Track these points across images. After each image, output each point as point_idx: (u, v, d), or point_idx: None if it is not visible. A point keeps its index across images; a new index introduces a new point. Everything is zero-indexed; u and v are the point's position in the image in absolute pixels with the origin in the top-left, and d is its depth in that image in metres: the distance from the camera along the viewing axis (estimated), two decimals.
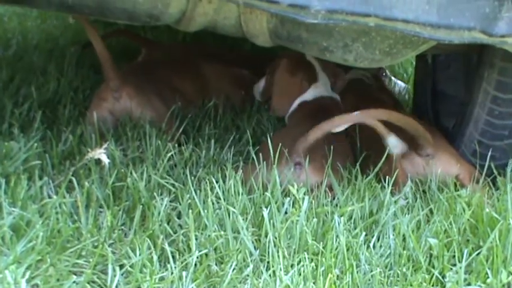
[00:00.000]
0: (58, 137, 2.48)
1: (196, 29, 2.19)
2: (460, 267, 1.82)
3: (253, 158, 2.26)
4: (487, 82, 2.40)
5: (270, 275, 1.78)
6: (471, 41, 1.91)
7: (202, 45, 3.72)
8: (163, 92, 2.81)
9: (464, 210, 2.09)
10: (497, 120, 2.40)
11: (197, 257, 1.82)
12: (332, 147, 2.26)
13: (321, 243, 1.89)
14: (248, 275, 1.78)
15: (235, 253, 1.84)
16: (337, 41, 2.05)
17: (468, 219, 2.04)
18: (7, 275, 1.64)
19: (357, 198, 2.16)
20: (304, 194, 2.06)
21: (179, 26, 2.17)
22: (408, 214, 2.11)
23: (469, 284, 1.82)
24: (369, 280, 1.80)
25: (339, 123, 2.26)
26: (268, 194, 2.08)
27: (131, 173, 2.17)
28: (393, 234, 1.98)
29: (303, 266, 1.80)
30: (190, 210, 1.98)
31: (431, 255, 1.92)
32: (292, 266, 1.82)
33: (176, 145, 2.43)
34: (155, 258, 1.79)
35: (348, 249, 1.87)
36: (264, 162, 2.20)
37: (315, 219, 1.98)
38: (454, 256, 1.90)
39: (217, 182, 2.12)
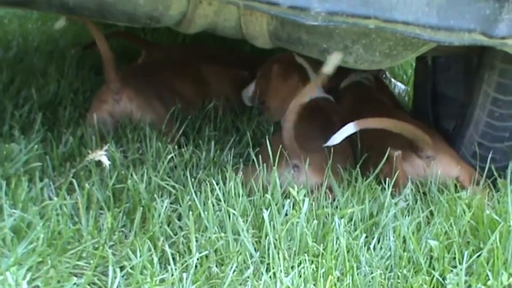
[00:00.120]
0: (58, 138, 2.48)
1: (197, 31, 2.19)
2: (461, 269, 1.82)
3: (253, 160, 2.25)
4: (488, 84, 2.41)
5: (270, 277, 1.78)
6: (471, 43, 1.91)
7: (202, 47, 3.72)
8: (163, 94, 2.81)
9: (464, 212, 2.09)
10: (498, 122, 2.40)
11: (197, 259, 1.82)
12: (332, 149, 2.26)
13: (321, 245, 1.89)
14: (248, 277, 1.78)
15: (235, 255, 1.84)
16: (337, 43, 2.05)
17: (468, 221, 2.04)
18: (8, 277, 1.64)
19: (357, 200, 2.16)
20: (305, 196, 2.06)
21: (179, 28, 2.17)
22: (408, 216, 2.11)
23: (469, 286, 1.82)
24: (370, 282, 1.80)
25: (338, 138, 2.26)
26: (268, 195, 2.08)
27: (131, 175, 2.17)
28: (393, 236, 1.98)
29: (304, 267, 1.80)
30: (190, 212, 1.98)
31: (431, 257, 1.92)
32: (292, 267, 1.81)
33: (176, 147, 2.43)
34: (156, 260, 1.79)
35: (348, 251, 1.87)
36: (264, 164, 2.20)
37: (315, 221, 1.98)
38: (454, 258, 1.90)
39: (217, 183, 2.12)
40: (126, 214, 2.06)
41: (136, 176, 2.16)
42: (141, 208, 2.01)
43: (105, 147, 2.17)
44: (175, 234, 1.96)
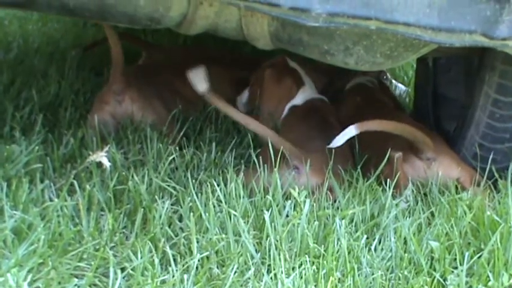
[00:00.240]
0: (59, 140, 2.48)
1: (197, 32, 2.19)
2: (462, 270, 1.82)
3: (254, 161, 2.25)
4: (488, 85, 2.41)
5: (271, 278, 1.78)
6: (472, 44, 1.91)
7: (203, 49, 3.72)
8: (164, 96, 2.81)
9: (465, 213, 2.09)
10: (498, 123, 2.40)
11: (198, 260, 1.82)
12: (333, 150, 2.27)
13: (322, 246, 1.89)
14: (249, 278, 1.78)
15: (236, 256, 1.84)
16: (338, 44, 2.05)
17: (469, 222, 2.05)
18: (9, 278, 1.64)
19: (358, 201, 2.16)
20: (306, 197, 2.06)
21: (180, 29, 2.17)
22: (409, 217, 2.11)
23: (470, 287, 1.82)
24: (370, 283, 1.80)
25: (340, 140, 2.26)
26: (269, 197, 2.08)
27: (132, 176, 2.17)
28: (394, 237, 1.98)
29: (305, 269, 1.80)
30: (191, 213, 1.98)
31: (432, 258, 1.92)
32: (293, 269, 1.82)
33: (177, 148, 2.43)
34: (156, 261, 1.79)
35: (349, 252, 1.87)
36: (265, 166, 2.20)
37: (316, 222, 1.98)
38: (455, 259, 1.90)
39: (218, 185, 2.12)
40: (127, 215, 2.06)
41: (137, 177, 2.16)
42: (142, 209, 2.01)
43: (106, 149, 2.17)
44: (176, 236, 1.95)
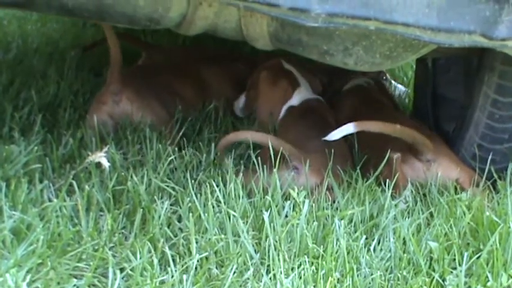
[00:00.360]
0: (58, 140, 2.48)
1: (197, 33, 2.19)
2: (461, 271, 1.82)
3: (253, 161, 2.25)
4: (487, 85, 2.41)
5: (270, 278, 1.78)
6: (471, 45, 1.91)
7: (202, 49, 3.72)
8: (163, 96, 2.81)
9: (464, 214, 2.09)
10: (498, 123, 2.40)
11: (198, 261, 1.82)
12: (332, 150, 2.27)
13: (322, 246, 1.89)
14: (248, 278, 1.78)
15: (235, 256, 1.84)
16: (338, 45, 2.05)
17: (468, 223, 2.05)
18: (8, 279, 1.64)
19: (357, 201, 2.16)
20: (305, 197, 2.06)
21: (179, 29, 2.17)
22: (408, 217, 2.11)
23: (469, 287, 1.82)
24: (370, 283, 1.80)
25: (337, 134, 2.27)
26: (268, 197, 2.08)
27: (131, 177, 2.17)
28: (393, 238, 1.98)
29: (304, 269, 1.80)
30: (190, 214, 1.98)
31: (431, 258, 1.92)
32: (292, 269, 1.82)
33: (176, 149, 2.43)
34: (156, 261, 1.79)
35: (348, 253, 1.87)
36: (264, 166, 2.20)
37: (316, 223, 1.98)
38: (454, 259, 1.90)
39: (217, 185, 2.12)
40: (126, 216, 2.06)
41: (137, 178, 2.16)
42: (141, 210, 2.01)
43: (105, 149, 2.17)
44: (175, 236, 1.95)
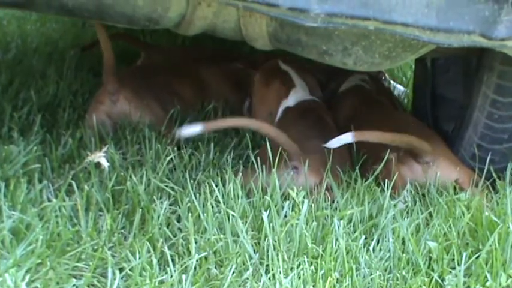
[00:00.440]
0: (57, 140, 2.48)
1: (196, 33, 2.19)
2: (460, 271, 1.82)
3: (252, 161, 2.25)
4: (487, 85, 2.41)
5: (269, 278, 1.78)
6: (470, 45, 1.91)
7: (202, 49, 3.72)
8: (161, 96, 2.81)
9: (463, 214, 2.09)
10: (497, 123, 2.40)
11: (197, 260, 1.82)
12: (331, 150, 2.27)
13: (321, 246, 1.89)
14: (248, 278, 1.78)
15: (234, 256, 1.84)
16: (337, 45, 2.05)
17: (467, 223, 2.05)
18: (7, 278, 1.64)
19: (356, 201, 2.16)
20: (304, 197, 2.06)
21: (179, 29, 2.17)
22: (408, 217, 2.11)
23: (468, 287, 1.82)
24: (369, 283, 1.80)
25: (335, 143, 2.27)
26: (267, 197, 2.08)
27: (131, 177, 2.17)
28: (393, 238, 1.98)
29: (303, 269, 1.80)
30: (189, 214, 1.98)
31: (430, 258, 1.92)
32: (291, 269, 1.82)
33: (176, 149, 2.43)
34: (155, 261, 1.79)
35: (347, 253, 1.87)
36: (263, 166, 2.20)
37: (315, 223, 1.98)
38: (453, 259, 1.90)
39: (216, 185, 2.12)
40: (125, 216, 2.06)
41: (136, 178, 2.16)
42: (140, 210, 2.01)
43: (104, 149, 2.17)
44: (174, 236, 1.95)
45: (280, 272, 1.78)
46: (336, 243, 1.90)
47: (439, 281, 1.83)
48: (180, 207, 2.07)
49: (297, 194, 2.06)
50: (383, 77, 3.71)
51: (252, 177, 2.19)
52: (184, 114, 2.80)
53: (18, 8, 2.24)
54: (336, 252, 1.86)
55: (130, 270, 1.78)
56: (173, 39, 4.26)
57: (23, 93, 3.01)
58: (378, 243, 1.97)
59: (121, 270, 1.79)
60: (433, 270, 1.87)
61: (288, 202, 2.07)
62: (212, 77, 3.19)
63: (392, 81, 3.81)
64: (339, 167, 2.31)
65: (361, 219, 2.08)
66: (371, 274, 1.82)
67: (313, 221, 2.00)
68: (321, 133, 2.37)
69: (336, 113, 2.90)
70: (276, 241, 1.89)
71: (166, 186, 2.18)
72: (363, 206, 2.11)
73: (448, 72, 3.04)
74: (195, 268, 1.80)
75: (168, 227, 1.99)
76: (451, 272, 1.86)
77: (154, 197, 2.11)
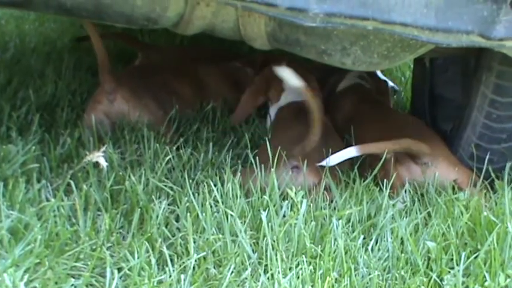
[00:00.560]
0: (56, 140, 2.48)
1: (194, 33, 2.18)
2: (458, 270, 1.83)
3: (251, 161, 2.25)
4: (485, 85, 2.41)
5: (268, 278, 1.78)
6: (469, 45, 1.91)
7: (200, 49, 3.71)
8: (160, 96, 2.81)
9: (462, 214, 2.09)
10: (495, 123, 2.40)
11: (195, 260, 1.82)
12: (330, 150, 2.27)
13: (319, 246, 1.89)
14: (246, 278, 1.78)
15: (233, 256, 1.84)
16: (336, 44, 2.05)
17: (466, 223, 2.05)
18: (5, 278, 1.64)
19: (355, 201, 2.16)
20: (303, 197, 2.06)
21: (177, 29, 2.17)
22: (406, 217, 2.11)
23: (467, 287, 1.82)
24: (367, 283, 1.80)
25: (337, 159, 2.26)
26: (266, 197, 2.08)
27: (129, 176, 2.17)
28: (391, 238, 1.98)
29: (301, 269, 1.80)
30: (188, 214, 1.98)
31: (429, 258, 1.92)
32: (290, 269, 1.81)
33: (174, 148, 2.43)
34: (153, 261, 1.79)
35: (346, 253, 1.87)
36: (262, 166, 2.20)
37: (313, 223, 1.98)
38: (452, 259, 1.90)
39: (215, 185, 2.12)
40: (123, 215, 2.06)
41: (134, 178, 2.16)
42: (139, 209, 2.01)
43: (103, 149, 2.16)
44: (173, 236, 1.95)
45: (278, 272, 1.78)
46: (334, 243, 1.90)
47: (438, 280, 1.83)
48: (178, 207, 2.07)
49: (295, 193, 2.06)
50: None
51: (250, 177, 2.19)
52: (182, 114, 2.80)
53: (16, 7, 2.24)
54: (334, 252, 1.86)
55: (128, 270, 1.78)
56: (171, 39, 4.26)
57: (22, 93, 3.01)
58: (376, 243, 1.97)
59: (119, 270, 1.78)
60: (431, 270, 1.87)
61: (286, 202, 2.07)
62: (211, 76, 3.18)
63: (384, 78, 3.79)
64: (338, 167, 2.30)
65: (360, 219, 2.08)
66: (370, 274, 1.82)
67: (311, 220, 2.00)
68: (325, 137, 2.36)
69: (335, 112, 2.90)
70: (274, 241, 1.89)
71: (165, 186, 2.18)
72: (361, 206, 2.11)
73: (446, 72, 3.04)
74: (193, 268, 1.80)
75: (166, 227, 1.99)
76: (449, 271, 1.86)
77: (153, 196, 2.11)
